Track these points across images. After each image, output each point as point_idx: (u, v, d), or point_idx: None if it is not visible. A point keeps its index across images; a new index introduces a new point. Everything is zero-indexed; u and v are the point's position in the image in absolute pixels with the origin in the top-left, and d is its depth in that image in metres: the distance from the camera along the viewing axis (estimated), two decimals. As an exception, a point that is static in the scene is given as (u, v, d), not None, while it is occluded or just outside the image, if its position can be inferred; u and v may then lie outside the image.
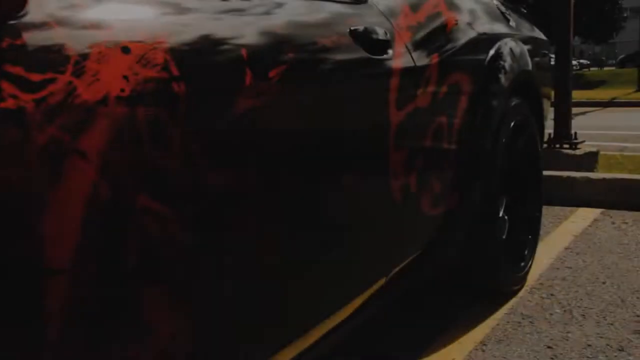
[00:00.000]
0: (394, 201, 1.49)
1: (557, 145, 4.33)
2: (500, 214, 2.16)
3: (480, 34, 1.99)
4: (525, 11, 2.94)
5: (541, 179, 2.51)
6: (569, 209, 3.60)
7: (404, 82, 1.49)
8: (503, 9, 2.35)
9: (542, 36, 2.84)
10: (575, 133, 4.36)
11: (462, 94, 1.81)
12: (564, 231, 3.11)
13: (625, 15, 26.66)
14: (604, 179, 3.65)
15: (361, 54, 1.35)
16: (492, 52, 2.02)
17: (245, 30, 1.04)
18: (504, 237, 2.14)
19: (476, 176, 1.91)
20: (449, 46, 1.76)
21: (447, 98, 1.72)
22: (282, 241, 1.13)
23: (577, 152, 4.19)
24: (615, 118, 11.55)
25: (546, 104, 3.00)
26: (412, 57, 1.55)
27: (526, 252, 2.35)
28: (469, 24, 1.94)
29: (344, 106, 1.28)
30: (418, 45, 1.60)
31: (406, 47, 1.54)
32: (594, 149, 4.26)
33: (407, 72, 1.51)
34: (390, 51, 1.47)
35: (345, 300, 1.37)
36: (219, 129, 0.95)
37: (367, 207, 1.41)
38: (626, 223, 3.21)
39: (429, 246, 1.79)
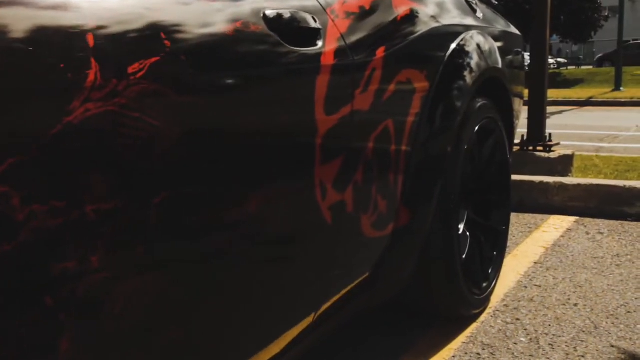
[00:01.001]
0: (322, 223, 1.24)
1: (531, 148, 4.11)
2: (461, 230, 1.92)
3: (440, 26, 1.74)
4: (496, 3, 2.70)
5: (509, 188, 2.27)
6: (541, 216, 3.39)
7: (336, 80, 1.23)
8: (469, -1, 2.11)
9: (516, 31, 2.61)
10: (550, 135, 4.14)
11: (415, 93, 1.56)
12: (534, 242, 2.89)
13: (606, 14, 26.66)
14: (578, 185, 3.43)
15: (277, 45, 1.09)
16: (453, 46, 1.77)
17: (91, 11, 0.77)
18: (463, 256, 1.90)
19: (431, 189, 1.66)
20: (399, 38, 1.50)
21: (395, 99, 1.46)
22: (166, 280, 0.87)
23: (552, 155, 3.97)
24: (591, 117, 11.43)
25: (518, 105, 2.77)
26: (348, 50, 1.29)
27: (490, 271, 2.11)
28: (427, 14, 1.68)
29: (251, 110, 1.02)
30: (358, 36, 1.34)
31: (342, 37, 1.28)
32: (568, 152, 4.05)
33: (341, 68, 1.25)
34: (319, 42, 1.21)
35: (256, 348, 1.11)
36: (42, 142, 0.68)
37: (286, 232, 1.15)
38: (601, 234, 3.00)
39: (374, 272, 1.53)
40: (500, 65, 2.10)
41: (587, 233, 3.01)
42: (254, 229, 1.05)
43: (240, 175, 0.99)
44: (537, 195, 3.54)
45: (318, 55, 1.19)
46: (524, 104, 2.91)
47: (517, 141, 4.15)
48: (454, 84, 1.74)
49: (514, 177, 3.69)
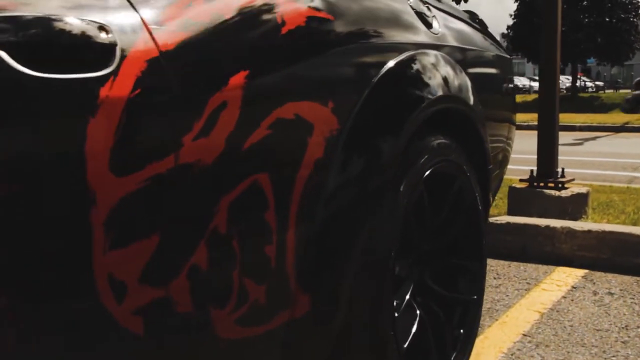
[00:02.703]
0: (126, 337, 0.81)
1: (542, 184, 3.61)
2: (403, 305, 1.48)
3: (364, 43, 1.31)
4: (478, 18, 2.25)
5: (481, 247, 1.80)
6: (545, 268, 2.89)
7: (134, 121, 0.81)
8: (424, 9, 1.66)
9: (500, 52, 2.16)
10: (563, 170, 3.64)
11: (311, 134, 1.12)
12: (529, 305, 2.40)
13: (643, 36, 25.80)
14: (589, 232, 2.93)
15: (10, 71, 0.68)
16: (385, 69, 1.33)
17: None
18: (405, 345, 1.44)
19: (344, 259, 1.22)
20: (283, 59, 1.08)
21: (270, 143, 1.03)
22: None
23: (563, 193, 3.47)
24: (627, 144, 10.77)
25: (506, 131, 2.33)
26: (171, 75, 0.87)
27: (454, 356, 1.65)
28: (342, 27, 1.25)
29: None
30: (197, 55, 0.92)
31: (161, 58, 0.86)
32: (583, 190, 3.54)
33: (148, 103, 0.83)
34: (111, 66, 0.79)
35: None
36: None
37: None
38: (611, 294, 2.49)
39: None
40: (465, 94, 1.65)
41: (595, 293, 2.51)
42: None
43: None
44: (543, 242, 3.05)
45: (98, 83, 0.77)
46: (515, 131, 2.46)
47: (525, 177, 3.67)
48: (384, 118, 1.30)
49: (518, 219, 3.22)
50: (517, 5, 28.09)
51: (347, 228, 1.21)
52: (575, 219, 3.34)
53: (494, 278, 2.75)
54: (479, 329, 2.15)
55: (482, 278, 1.81)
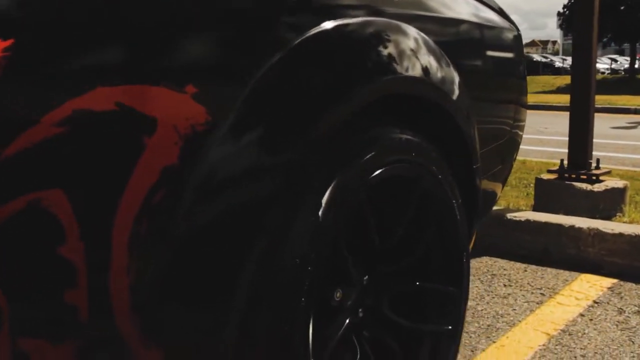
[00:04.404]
0: None
1: (572, 176, 3.19)
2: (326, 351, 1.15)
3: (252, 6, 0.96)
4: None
5: (461, 268, 1.44)
6: (566, 274, 2.50)
7: None
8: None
9: (500, 22, 1.77)
10: (598, 161, 3.20)
11: (151, 132, 0.78)
12: (538, 323, 2.03)
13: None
14: (620, 235, 2.52)
15: None
16: (298, 40, 0.98)
17: None
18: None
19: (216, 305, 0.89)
20: (77, 12, 0.75)
21: (63, 146, 0.71)
22: None
23: (595, 187, 3.04)
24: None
25: (514, 113, 1.96)
26: None
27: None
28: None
29: None
30: None
31: None
32: (620, 185, 3.10)
33: None
34: None
35: None
36: None
37: None
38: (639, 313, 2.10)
39: None
40: (434, 75, 1.29)
41: (620, 312, 2.12)
42: None
43: None
44: (567, 244, 2.65)
45: None
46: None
47: (554, 168, 3.26)
48: (291, 104, 0.95)
49: (539, 216, 2.82)
50: (574, -17, 26.67)
51: (222, 254, 0.88)
52: (608, 217, 2.92)
53: (504, 285, 2.38)
54: (472, 352, 1.81)
55: (460, 304, 1.45)
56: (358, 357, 1.20)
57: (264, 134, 0.88)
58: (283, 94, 0.92)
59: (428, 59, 1.28)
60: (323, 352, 1.08)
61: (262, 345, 0.93)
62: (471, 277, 2.45)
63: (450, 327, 1.42)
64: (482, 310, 2.13)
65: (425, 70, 1.26)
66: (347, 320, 1.18)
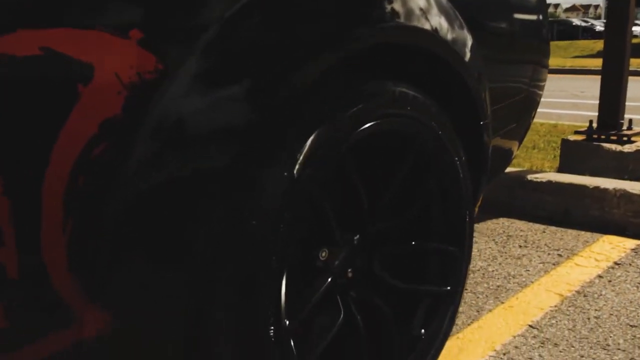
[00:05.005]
0: None
1: (603, 137, 3.08)
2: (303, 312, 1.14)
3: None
4: None
5: (463, 226, 1.40)
6: (587, 236, 2.44)
7: None
8: None
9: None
10: (630, 121, 3.09)
11: (86, 82, 0.72)
12: (552, 283, 1.98)
13: None
14: (646, 196, 2.43)
15: None
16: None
17: None
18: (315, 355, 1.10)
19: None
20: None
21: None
22: None
23: (626, 148, 2.94)
24: None
25: (532, 73, 1.89)
26: None
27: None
28: None
29: None
30: None
31: None
32: (651, 144, 2.99)
33: None
34: None
35: None
36: None
37: None
38: (661, 277, 2.03)
39: None
40: (440, 27, 1.23)
41: (640, 274, 2.06)
42: None
43: None
44: (590, 205, 2.58)
45: None
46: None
47: (583, 129, 3.15)
48: (261, 54, 0.90)
49: (561, 176, 2.74)
50: None
51: (178, 210, 0.84)
52: (637, 179, 2.82)
53: (519, 247, 2.33)
54: (478, 312, 1.78)
55: (461, 265, 1.42)
56: (341, 317, 1.18)
57: (229, 84, 0.85)
58: (254, 39, 0.88)
59: (429, 6, 1.22)
60: (300, 313, 1.06)
61: (227, 307, 0.91)
62: (485, 239, 2.41)
63: (449, 288, 1.39)
64: (493, 271, 2.09)
65: (424, 16, 1.21)
66: (329, 280, 1.15)
